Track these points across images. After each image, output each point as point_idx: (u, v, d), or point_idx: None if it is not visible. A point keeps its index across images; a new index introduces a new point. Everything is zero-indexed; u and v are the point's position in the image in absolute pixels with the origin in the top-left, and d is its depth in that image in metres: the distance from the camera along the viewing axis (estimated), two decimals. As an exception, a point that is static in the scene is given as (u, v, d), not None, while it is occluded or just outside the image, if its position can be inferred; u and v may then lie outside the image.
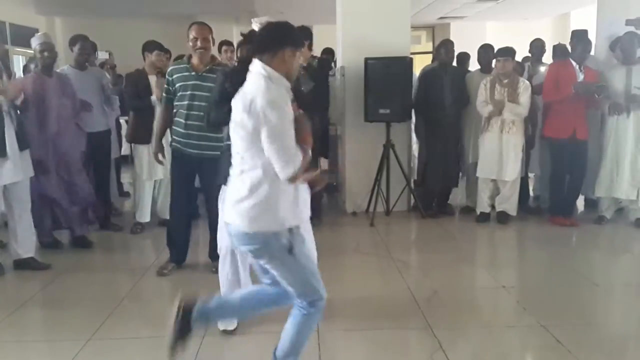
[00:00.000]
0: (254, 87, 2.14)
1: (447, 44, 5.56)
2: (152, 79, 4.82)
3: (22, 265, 4.09)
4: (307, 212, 2.29)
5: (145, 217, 5.09)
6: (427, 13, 10.99)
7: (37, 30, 8.84)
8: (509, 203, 5.22)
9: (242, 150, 2.15)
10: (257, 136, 2.07)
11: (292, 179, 2.08)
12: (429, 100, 5.37)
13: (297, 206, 2.19)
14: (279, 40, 2.18)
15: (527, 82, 5.08)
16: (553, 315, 3.15)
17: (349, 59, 5.66)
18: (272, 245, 2.14)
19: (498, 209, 5.28)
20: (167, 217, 4.45)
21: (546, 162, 5.36)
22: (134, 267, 4.16)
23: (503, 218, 5.23)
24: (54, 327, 3.27)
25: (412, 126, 5.88)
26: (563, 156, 5.06)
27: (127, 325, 3.16)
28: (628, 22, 5.03)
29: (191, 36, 3.62)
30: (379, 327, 3.08)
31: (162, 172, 4.91)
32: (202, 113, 3.47)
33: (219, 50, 5.68)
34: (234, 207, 2.18)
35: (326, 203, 6.54)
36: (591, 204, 5.32)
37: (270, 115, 2.04)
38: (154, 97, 4.76)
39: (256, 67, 2.18)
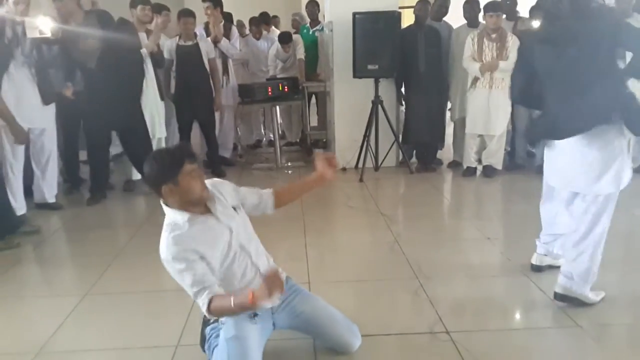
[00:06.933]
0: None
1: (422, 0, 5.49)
2: (142, 36, 4.81)
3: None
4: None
5: (137, 174, 5.11)
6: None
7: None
8: (495, 157, 5.30)
9: None
10: None
11: (209, 312, 2.00)
12: (405, 59, 5.37)
13: None
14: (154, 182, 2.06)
15: (516, 36, 5.04)
16: (535, 265, 3.26)
17: (336, 13, 5.61)
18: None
19: (484, 163, 5.37)
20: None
21: (521, 117, 5.38)
22: (127, 223, 4.22)
23: (489, 172, 5.32)
24: (51, 283, 3.34)
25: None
26: None
27: (122, 280, 3.24)
28: None
29: None
30: (367, 278, 3.19)
31: (159, 130, 5.00)
32: None
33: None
34: None
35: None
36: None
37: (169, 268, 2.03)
38: (144, 50, 4.79)
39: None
